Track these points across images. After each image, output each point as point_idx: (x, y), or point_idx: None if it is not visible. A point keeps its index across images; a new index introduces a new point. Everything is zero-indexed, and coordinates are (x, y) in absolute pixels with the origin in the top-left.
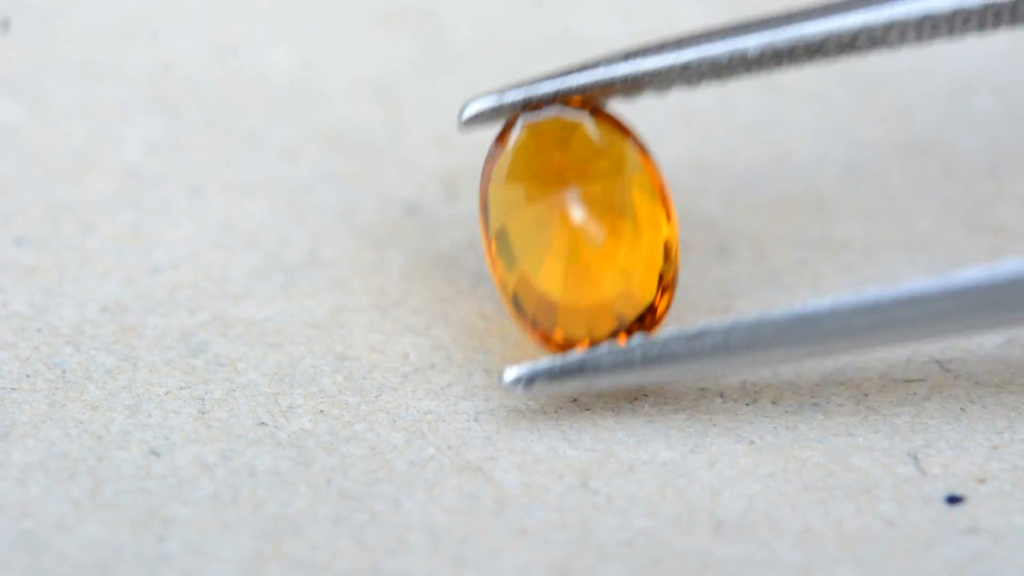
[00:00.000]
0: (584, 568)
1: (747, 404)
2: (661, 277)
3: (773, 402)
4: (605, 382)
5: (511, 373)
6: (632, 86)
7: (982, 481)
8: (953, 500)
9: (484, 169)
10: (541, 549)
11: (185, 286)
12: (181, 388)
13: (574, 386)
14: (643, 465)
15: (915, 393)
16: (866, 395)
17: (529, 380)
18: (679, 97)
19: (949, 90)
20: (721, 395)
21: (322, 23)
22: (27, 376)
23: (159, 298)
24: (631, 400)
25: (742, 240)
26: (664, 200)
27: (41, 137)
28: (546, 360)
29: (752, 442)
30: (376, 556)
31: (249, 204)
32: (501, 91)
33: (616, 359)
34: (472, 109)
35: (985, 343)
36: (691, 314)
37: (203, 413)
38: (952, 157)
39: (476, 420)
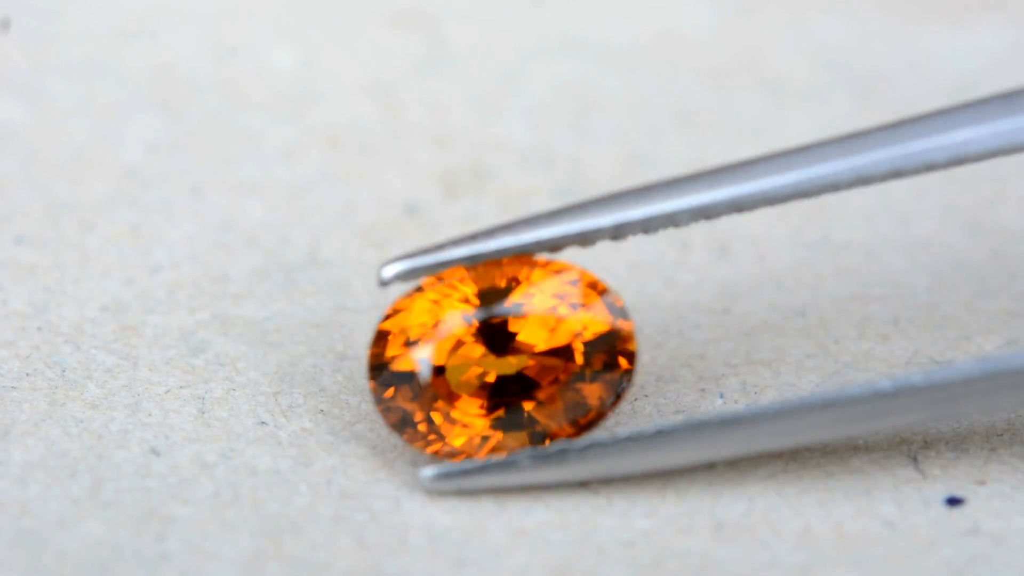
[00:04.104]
0: (584, 569)
1: (747, 406)
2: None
3: None
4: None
5: (429, 471)
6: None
7: (982, 483)
8: (953, 502)
9: None
10: (541, 549)
11: (185, 285)
12: (181, 387)
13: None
14: None
15: None
16: None
17: (446, 475)
18: (679, 98)
19: (949, 90)
20: (722, 396)
21: (322, 23)
22: (27, 375)
23: (159, 297)
24: (631, 401)
25: (743, 240)
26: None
27: (41, 136)
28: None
29: None
30: (376, 556)
31: (249, 203)
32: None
33: (537, 463)
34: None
35: (985, 345)
36: (691, 314)
37: (203, 412)
38: None
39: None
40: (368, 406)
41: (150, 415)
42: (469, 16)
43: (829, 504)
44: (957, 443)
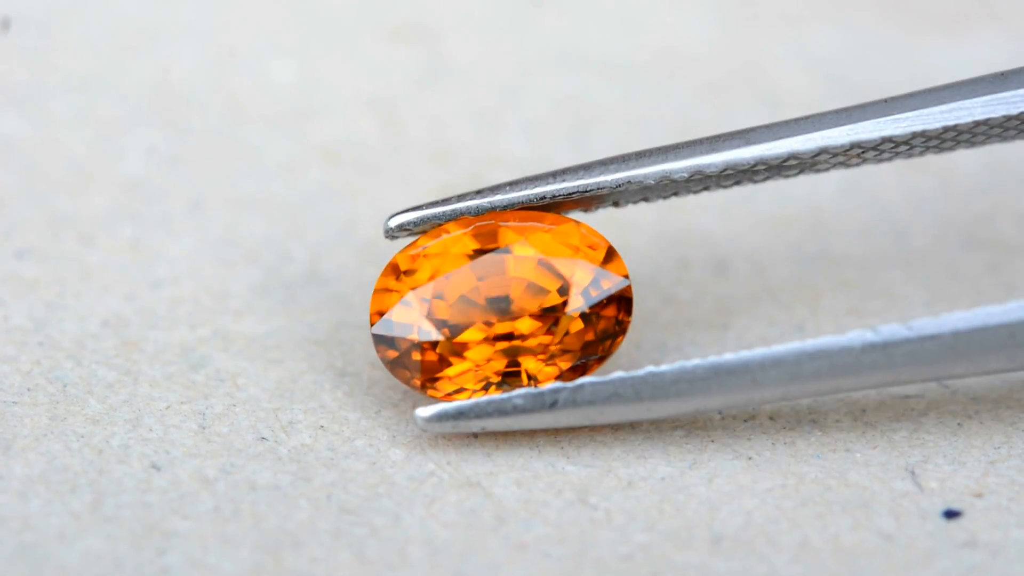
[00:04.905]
0: None
1: (745, 420)
2: None
3: (771, 418)
4: (516, 423)
5: (425, 411)
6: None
7: (979, 496)
8: (950, 514)
9: None
10: (540, 564)
11: (186, 301)
12: (182, 403)
13: (485, 424)
14: (641, 481)
15: (912, 408)
16: (864, 410)
17: (441, 417)
18: (678, 112)
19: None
20: (719, 411)
21: (323, 38)
22: (28, 390)
23: (160, 312)
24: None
25: (741, 256)
26: None
27: (42, 150)
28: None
29: (750, 458)
30: (376, 570)
31: (249, 218)
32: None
33: (530, 402)
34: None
35: None
36: (689, 331)
37: (204, 428)
38: (950, 172)
39: (475, 435)
40: (368, 422)
41: (151, 430)
42: (469, 31)
43: (827, 517)
44: (954, 456)
